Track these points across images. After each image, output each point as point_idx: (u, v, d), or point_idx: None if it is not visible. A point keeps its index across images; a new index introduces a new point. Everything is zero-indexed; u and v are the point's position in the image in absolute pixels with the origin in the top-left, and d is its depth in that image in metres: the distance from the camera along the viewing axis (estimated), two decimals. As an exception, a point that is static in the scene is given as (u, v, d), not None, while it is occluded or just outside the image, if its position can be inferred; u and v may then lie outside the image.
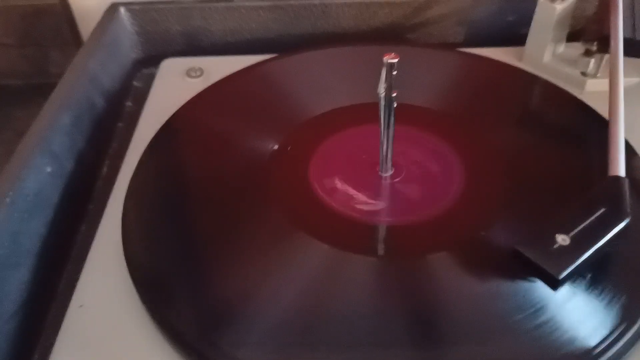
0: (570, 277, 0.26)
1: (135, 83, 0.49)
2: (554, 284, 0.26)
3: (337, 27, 0.50)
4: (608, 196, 0.29)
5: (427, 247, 0.29)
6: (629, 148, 0.34)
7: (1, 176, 0.30)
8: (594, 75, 0.41)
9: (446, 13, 0.49)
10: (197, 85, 0.42)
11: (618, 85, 0.35)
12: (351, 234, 0.30)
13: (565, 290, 0.26)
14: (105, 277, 0.29)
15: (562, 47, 0.44)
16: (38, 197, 0.31)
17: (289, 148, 0.36)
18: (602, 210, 0.28)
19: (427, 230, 0.30)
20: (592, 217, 0.28)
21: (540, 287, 0.26)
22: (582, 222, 0.27)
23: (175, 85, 0.44)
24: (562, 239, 0.27)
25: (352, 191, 0.33)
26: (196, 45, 0.50)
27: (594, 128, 0.36)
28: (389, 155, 0.33)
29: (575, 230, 0.27)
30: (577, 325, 0.25)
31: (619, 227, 0.27)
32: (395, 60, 0.28)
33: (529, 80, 0.42)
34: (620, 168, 0.30)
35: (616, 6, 0.38)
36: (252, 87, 0.42)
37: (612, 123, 0.33)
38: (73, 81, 0.38)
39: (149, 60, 0.50)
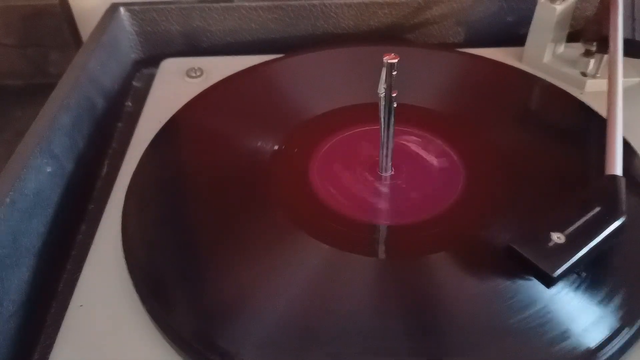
0: (565, 276, 0.26)
1: (135, 83, 0.49)
2: (548, 282, 0.26)
3: (336, 28, 0.50)
4: (604, 195, 0.29)
5: (427, 247, 0.29)
6: (628, 147, 0.34)
7: (1, 176, 0.30)
8: (594, 76, 0.41)
9: (446, 13, 0.49)
10: (196, 86, 0.42)
11: (617, 86, 0.35)
12: (351, 234, 0.30)
13: (564, 290, 0.26)
14: (105, 277, 0.29)
15: (562, 48, 0.44)
16: (38, 197, 0.31)
17: (286, 148, 0.36)
18: (598, 209, 0.28)
19: (426, 230, 0.30)
20: (588, 216, 0.28)
21: (539, 287, 0.26)
22: (578, 221, 0.27)
23: (175, 85, 0.44)
24: (557, 237, 0.27)
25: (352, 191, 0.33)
26: (196, 46, 0.50)
27: (594, 128, 0.36)
28: (389, 156, 0.33)
29: (571, 229, 0.27)
30: (576, 325, 0.25)
31: (614, 226, 0.27)
32: (395, 61, 0.28)
33: (529, 80, 0.42)
34: (616, 167, 0.30)
35: (616, 7, 0.38)
36: (252, 87, 0.42)
37: (609, 123, 0.33)
38: (73, 81, 0.38)
39: (149, 61, 0.50)
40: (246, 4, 0.48)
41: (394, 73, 0.29)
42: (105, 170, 0.40)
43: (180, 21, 0.49)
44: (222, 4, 0.48)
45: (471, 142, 0.36)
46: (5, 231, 0.28)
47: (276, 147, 0.36)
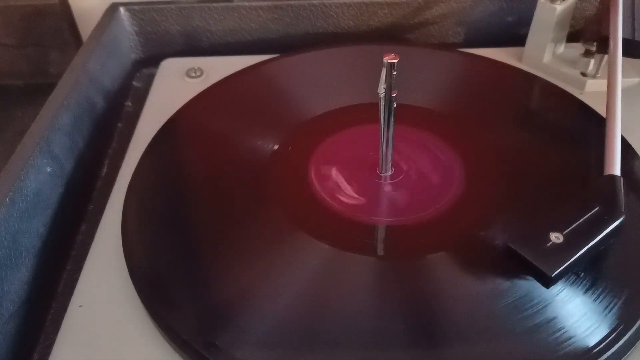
0: (563, 275, 0.26)
1: (134, 83, 0.49)
2: (547, 282, 0.26)
3: (336, 27, 0.50)
4: (602, 195, 0.29)
5: (427, 247, 0.29)
6: (628, 147, 0.34)
7: (1, 176, 0.30)
8: (594, 76, 0.41)
9: (446, 13, 0.49)
10: (196, 86, 0.42)
11: (616, 85, 0.35)
12: (351, 233, 0.30)
13: (564, 290, 0.26)
14: (105, 277, 0.29)
15: (562, 48, 0.44)
16: (38, 197, 0.31)
17: (290, 148, 0.36)
18: (597, 208, 0.28)
19: (426, 230, 0.30)
20: (586, 216, 0.28)
21: (539, 288, 0.26)
22: (576, 221, 0.27)
23: (175, 85, 0.44)
24: (555, 237, 0.27)
25: (351, 191, 0.33)
26: (196, 46, 0.50)
27: (593, 128, 0.36)
28: (389, 156, 0.33)
29: (569, 229, 0.27)
30: (576, 325, 0.25)
31: (613, 225, 0.27)
32: (395, 61, 0.28)
33: (529, 80, 0.42)
34: (615, 167, 0.30)
35: (616, 7, 0.38)
36: (252, 87, 0.42)
37: (608, 123, 0.33)
38: (73, 81, 0.38)
39: (149, 61, 0.50)
40: (246, 4, 0.48)
41: (394, 73, 0.29)
42: (105, 170, 0.40)
43: (180, 21, 0.49)
44: (222, 4, 0.48)
45: (471, 142, 0.36)
46: (5, 231, 0.28)
47: (276, 147, 0.36)
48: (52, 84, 0.38)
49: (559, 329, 0.25)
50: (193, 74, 0.44)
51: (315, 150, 0.36)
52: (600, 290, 0.26)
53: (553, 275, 0.26)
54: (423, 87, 0.41)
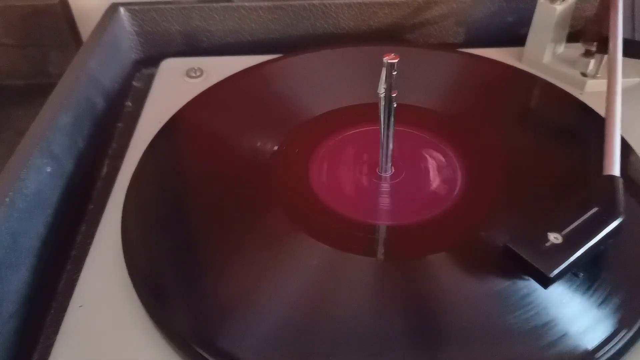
0: (562, 276, 0.26)
1: (134, 83, 0.49)
2: (545, 282, 0.26)
3: (336, 28, 0.50)
4: (601, 195, 0.29)
5: (427, 248, 0.29)
6: (627, 147, 0.34)
7: (1, 176, 0.30)
8: (594, 76, 0.41)
9: (446, 13, 0.49)
10: (196, 86, 0.42)
11: (616, 86, 0.35)
12: (351, 234, 0.30)
13: (563, 291, 0.26)
14: (104, 277, 0.29)
15: (561, 48, 0.44)
16: (38, 197, 0.31)
17: (290, 148, 0.36)
18: (595, 209, 0.28)
19: (426, 230, 0.30)
20: (585, 216, 0.28)
21: (538, 289, 0.26)
22: (575, 221, 0.27)
23: (175, 85, 0.44)
24: (554, 237, 0.27)
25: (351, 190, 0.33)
26: (196, 46, 0.50)
27: (594, 128, 0.36)
28: (389, 156, 0.33)
29: (568, 229, 0.27)
30: (575, 326, 0.25)
31: (611, 226, 0.27)
32: (395, 61, 0.28)
33: (529, 80, 0.42)
34: (614, 167, 0.30)
35: (616, 7, 0.38)
36: (252, 87, 0.42)
37: (608, 123, 0.33)
38: (73, 81, 0.38)
39: (149, 61, 0.50)
40: (246, 4, 0.48)
41: (394, 73, 0.29)
42: (105, 170, 0.40)
43: (180, 21, 0.49)
44: (222, 4, 0.48)
45: (471, 142, 0.36)
46: (4, 231, 0.28)
47: (276, 147, 0.36)
48: (52, 84, 0.38)
49: (558, 330, 0.25)
50: (193, 74, 0.44)
51: (315, 150, 0.36)
52: (599, 291, 0.26)
53: (551, 276, 0.26)
54: (423, 87, 0.41)
